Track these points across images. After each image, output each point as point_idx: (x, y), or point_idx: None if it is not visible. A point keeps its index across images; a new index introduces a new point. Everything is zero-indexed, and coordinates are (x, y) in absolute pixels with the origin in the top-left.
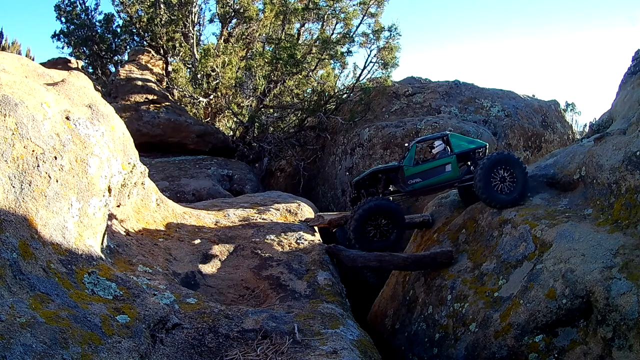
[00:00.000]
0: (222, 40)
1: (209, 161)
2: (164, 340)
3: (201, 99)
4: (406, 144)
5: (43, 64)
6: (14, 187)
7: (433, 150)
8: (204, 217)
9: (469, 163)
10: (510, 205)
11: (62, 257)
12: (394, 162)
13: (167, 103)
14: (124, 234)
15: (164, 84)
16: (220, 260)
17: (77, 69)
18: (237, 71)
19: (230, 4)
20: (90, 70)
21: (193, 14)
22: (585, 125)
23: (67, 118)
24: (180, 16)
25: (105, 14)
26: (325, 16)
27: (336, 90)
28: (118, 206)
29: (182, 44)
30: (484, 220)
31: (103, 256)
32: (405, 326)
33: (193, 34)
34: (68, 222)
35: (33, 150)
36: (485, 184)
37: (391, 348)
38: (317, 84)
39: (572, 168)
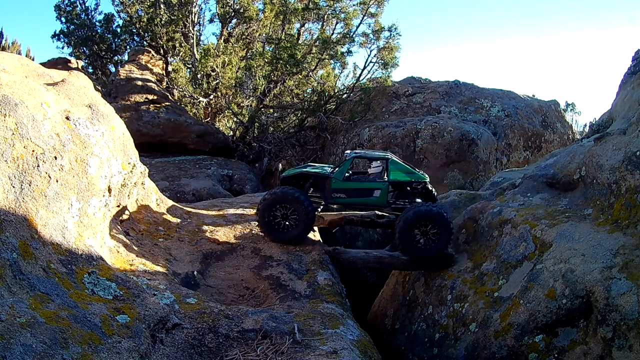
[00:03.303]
0: (222, 40)
1: (209, 161)
2: (164, 340)
3: (201, 99)
4: (346, 152)
5: (43, 64)
6: (14, 187)
7: (369, 170)
8: (204, 217)
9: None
10: (430, 259)
11: (62, 257)
12: (327, 169)
13: (167, 103)
14: (124, 234)
15: (164, 84)
16: (220, 260)
17: (77, 69)
18: (237, 71)
19: (230, 4)
20: (90, 70)
21: (193, 14)
22: (585, 125)
23: (67, 118)
24: (180, 16)
25: (105, 14)
26: (325, 16)
27: (336, 90)
28: (118, 206)
29: (182, 44)
30: (484, 220)
31: (103, 256)
32: (405, 326)
33: (193, 34)
34: (68, 222)
35: (33, 150)
36: (404, 237)
37: (391, 348)
38: (317, 84)
39: (572, 168)
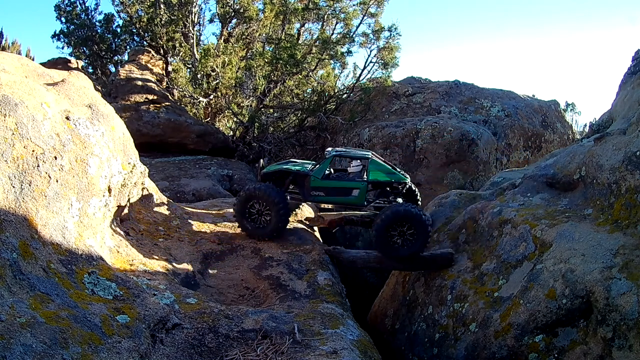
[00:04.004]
0: (222, 40)
1: (209, 161)
2: (164, 340)
3: (201, 99)
4: (327, 150)
5: (43, 64)
6: (14, 187)
7: (349, 169)
8: (204, 217)
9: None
10: (404, 258)
11: (62, 257)
12: (307, 166)
13: (167, 103)
14: (124, 234)
15: (164, 84)
16: (220, 260)
17: (77, 69)
18: (237, 71)
19: (230, 4)
20: (90, 70)
21: (193, 14)
22: (585, 125)
23: (67, 118)
24: (180, 16)
25: (105, 14)
26: (325, 16)
27: (336, 90)
28: (118, 206)
29: (182, 44)
30: (484, 220)
31: (103, 256)
32: (405, 326)
33: (193, 34)
34: (68, 222)
35: (33, 150)
36: (381, 235)
37: (391, 348)
38: (317, 84)
39: (572, 168)
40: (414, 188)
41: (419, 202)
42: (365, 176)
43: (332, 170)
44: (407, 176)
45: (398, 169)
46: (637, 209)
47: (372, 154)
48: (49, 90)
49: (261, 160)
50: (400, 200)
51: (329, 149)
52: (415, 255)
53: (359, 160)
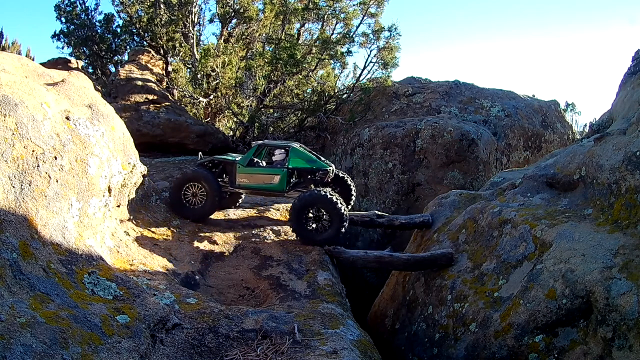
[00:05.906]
0: (222, 40)
1: None
2: (164, 340)
3: (201, 99)
4: (257, 141)
5: (43, 64)
6: (14, 187)
7: (274, 157)
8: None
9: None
10: (321, 244)
11: (62, 257)
12: (235, 156)
13: (167, 103)
14: (124, 234)
15: (164, 84)
16: (220, 260)
17: (77, 69)
18: (237, 71)
19: (230, 4)
20: (90, 70)
21: (193, 14)
22: (585, 125)
23: (67, 118)
24: (180, 16)
25: (105, 14)
26: (325, 16)
27: (336, 90)
28: (118, 206)
29: (182, 44)
30: (484, 220)
31: (103, 256)
32: (405, 326)
33: (193, 34)
34: (68, 222)
35: (33, 150)
36: (296, 221)
37: (391, 348)
38: (317, 84)
39: (572, 168)
40: (347, 180)
41: (353, 195)
42: (286, 164)
43: (263, 161)
44: (331, 165)
45: (322, 159)
46: (637, 209)
47: (300, 145)
48: (49, 90)
49: (200, 154)
50: (328, 189)
51: (260, 141)
52: (328, 242)
53: (282, 149)
